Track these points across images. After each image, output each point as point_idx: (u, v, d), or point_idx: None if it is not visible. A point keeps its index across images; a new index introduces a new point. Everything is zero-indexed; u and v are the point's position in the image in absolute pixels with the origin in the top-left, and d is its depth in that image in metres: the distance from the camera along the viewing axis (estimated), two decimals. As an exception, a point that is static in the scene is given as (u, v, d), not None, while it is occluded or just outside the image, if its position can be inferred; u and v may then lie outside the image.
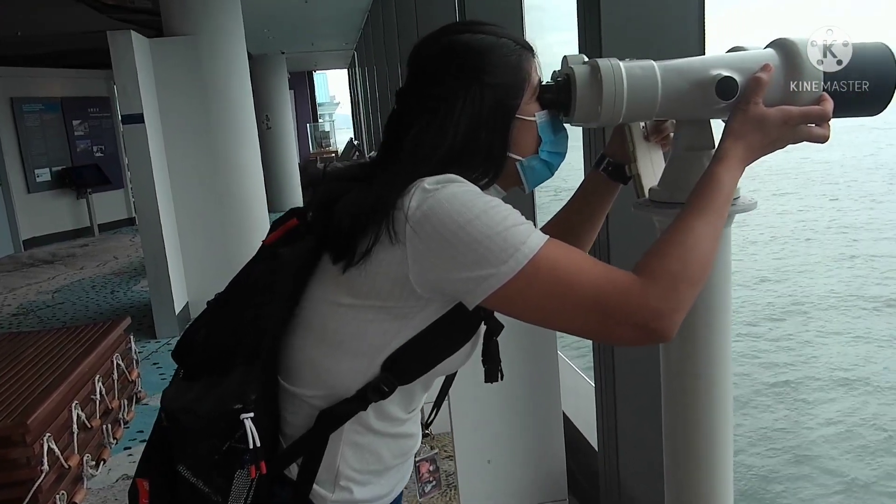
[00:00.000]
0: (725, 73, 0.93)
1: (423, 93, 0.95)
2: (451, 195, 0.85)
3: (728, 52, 1.03)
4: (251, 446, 0.90)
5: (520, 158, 0.98)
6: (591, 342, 2.03)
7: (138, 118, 4.99)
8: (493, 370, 1.04)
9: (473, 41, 0.95)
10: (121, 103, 5.07)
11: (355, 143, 14.07)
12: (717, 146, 0.94)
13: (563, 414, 2.34)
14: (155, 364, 4.69)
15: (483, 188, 0.92)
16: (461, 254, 0.83)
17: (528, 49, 0.97)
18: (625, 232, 1.74)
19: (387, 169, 0.93)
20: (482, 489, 2.27)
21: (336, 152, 16.36)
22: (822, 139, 0.93)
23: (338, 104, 32.45)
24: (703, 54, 1.76)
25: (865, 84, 0.97)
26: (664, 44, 1.76)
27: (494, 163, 0.96)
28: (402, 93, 0.99)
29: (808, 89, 0.94)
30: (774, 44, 0.99)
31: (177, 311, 5.29)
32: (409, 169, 0.90)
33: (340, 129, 26.04)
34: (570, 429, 2.43)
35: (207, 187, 5.57)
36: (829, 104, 0.93)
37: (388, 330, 0.92)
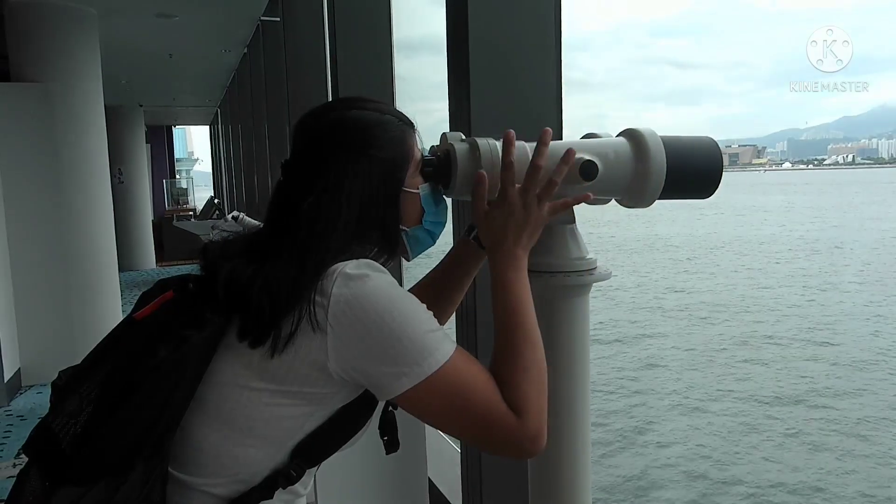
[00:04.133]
0: (587, 157, 1.02)
1: (312, 166, 0.96)
2: (376, 288, 0.88)
3: (582, 137, 1.14)
4: None
5: (405, 229, 1.02)
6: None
7: (-27, 167, 4.60)
8: (393, 441, 1.03)
9: (359, 116, 0.98)
10: (-46, 150, 4.67)
11: (216, 201, 13.63)
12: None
13: (429, 479, 2.34)
14: (-24, 438, 4.19)
15: (384, 265, 0.95)
16: (381, 349, 0.86)
17: (410, 125, 1.02)
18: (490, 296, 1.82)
19: (285, 244, 0.92)
20: (346, 560, 2.21)
21: (194, 210, 15.76)
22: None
23: (196, 160, 31.49)
24: (561, 134, 1.92)
25: (698, 171, 1.12)
26: (527, 123, 1.90)
27: (391, 237, 0.99)
28: (289, 165, 0.99)
29: (655, 171, 1.06)
30: (625, 133, 1.11)
31: (6, 378, 4.79)
32: (313, 245, 0.90)
33: (199, 186, 25.20)
34: (434, 494, 2.42)
35: (51, 243, 5.18)
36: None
37: (302, 415, 0.91)
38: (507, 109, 1.89)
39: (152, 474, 0.86)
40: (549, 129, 1.01)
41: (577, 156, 1.03)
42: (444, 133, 1.07)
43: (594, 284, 1.15)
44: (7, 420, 4.51)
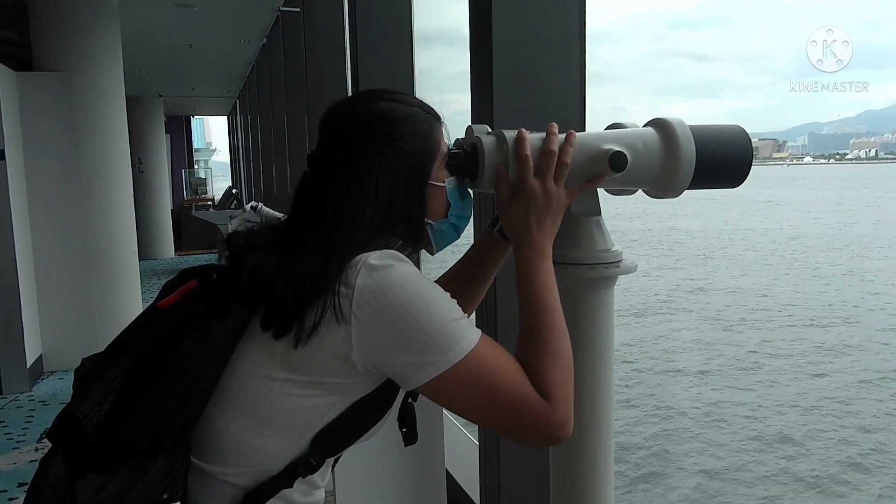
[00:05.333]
0: (616, 148, 1.01)
1: (339, 158, 0.96)
2: (400, 277, 0.87)
3: (608, 128, 1.13)
4: None
5: (431, 222, 1.01)
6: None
7: (-2, 155, 4.66)
8: (412, 432, 1.02)
9: (387, 109, 0.97)
10: (-21, 138, 4.72)
11: (234, 191, 13.71)
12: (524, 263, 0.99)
13: (446, 471, 2.35)
14: (0, 422, 4.26)
15: (408, 256, 0.94)
16: (406, 338, 0.86)
17: (437, 117, 1.01)
18: (512, 290, 1.81)
19: (310, 236, 0.92)
20: (364, 549, 2.22)
21: (213, 200, 15.87)
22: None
23: (214, 150, 31.64)
24: (584, 126, 1.91)
25: (728, 160, 1.11)
26: (549, 115, 1.88)
27: (416, 230, 0.99)
28: (316, 157, 0.99)
29: (685, 160, 1.05)
30: (653, 123, 1.10)
31: (28, 365, 4.86)
32: (339, 238, 0.90)
33: (217, 176, 25.34)
34: (451, 486, 2.43)
35: (73, 231, 5.25)
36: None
37: (324, 405, 0.91)
38: (529, 101, 1.88)
39: (175, 464, 0.87)
40: (555, 123, 1.02)
41: (606, 146, 1.02)
42: (469, 126, 1.07)
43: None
44: (30, 405, 4.58)
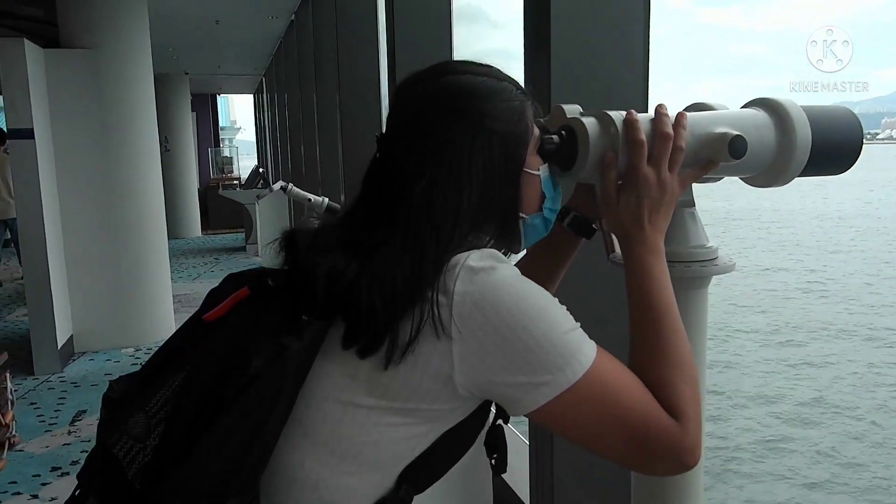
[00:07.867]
0: (735, 132, 0.89)
1: (421, 140, 0.82)
2: (504, 282, 0.75)
3: (687, 108, 1.01)
4: None
5: (524, 216, 0.88)
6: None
7: (27, 133, 4.61)
8: (502, 460, 0.90)
9: (475, 83, 0.83)
10: (7, 117, 4.67)
11: (260, 171, 13.70)
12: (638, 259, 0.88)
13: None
14: (32, 404, 4.24)
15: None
16: (516, 354, 0.73)
17: (527, 95, 0.88)
18: (569, 290, 1.70)
19: (395, 233, 0.78)
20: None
21: (239, 179, 15.89)
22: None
23: (239, 129, 31.76)
24: (647, 107, 1.77)
25: (842, 144, 1.01)
26: (610, 94, 1.76)
27: (511, 225, 0.86)
28: (390, 139, 0.85)
29: (801, 145, 0.94)
30: (759, 103, 0.98)
31: (59, 345, 4.84)
32: (432, 235, 0.77)
33: (242, 154, 25.39)
34: (499, 484, 2.34)
35: (101, 211, 5.21)
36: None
37: (416, 435, 0.78)
38: (589, 79, 1.75)
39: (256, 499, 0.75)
40: (663, 103, 0.89)
41: (722, 130, 0.90)
42: (558, 105, 0.94)
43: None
44: (61, 387, 4.56)
